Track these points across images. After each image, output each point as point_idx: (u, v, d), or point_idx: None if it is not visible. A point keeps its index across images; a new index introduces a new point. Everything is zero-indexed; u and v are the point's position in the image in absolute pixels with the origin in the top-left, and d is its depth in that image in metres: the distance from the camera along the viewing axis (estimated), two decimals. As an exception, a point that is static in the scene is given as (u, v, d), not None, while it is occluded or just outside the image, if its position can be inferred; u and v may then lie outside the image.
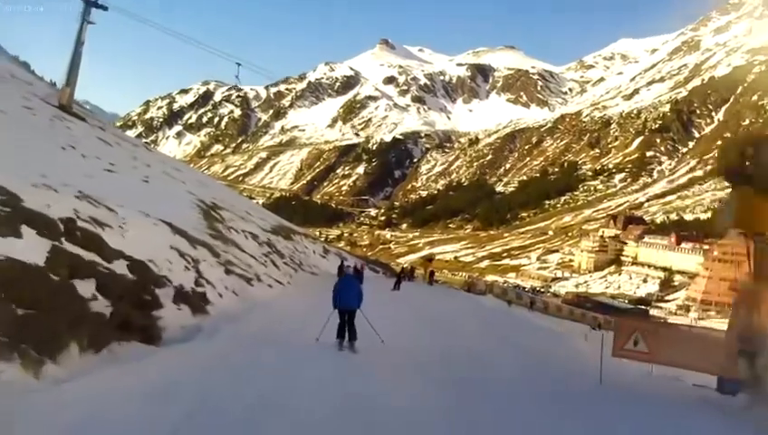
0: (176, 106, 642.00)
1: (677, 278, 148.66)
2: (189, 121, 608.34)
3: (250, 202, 69.46)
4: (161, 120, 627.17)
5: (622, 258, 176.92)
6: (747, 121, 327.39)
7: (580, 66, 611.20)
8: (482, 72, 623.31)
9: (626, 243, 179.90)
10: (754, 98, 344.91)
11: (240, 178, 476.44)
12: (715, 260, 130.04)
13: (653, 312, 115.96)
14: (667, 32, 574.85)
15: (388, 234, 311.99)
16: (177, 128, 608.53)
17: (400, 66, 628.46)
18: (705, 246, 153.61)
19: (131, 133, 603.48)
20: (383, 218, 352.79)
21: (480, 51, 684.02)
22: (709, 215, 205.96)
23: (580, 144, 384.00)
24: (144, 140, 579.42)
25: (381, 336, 13.54)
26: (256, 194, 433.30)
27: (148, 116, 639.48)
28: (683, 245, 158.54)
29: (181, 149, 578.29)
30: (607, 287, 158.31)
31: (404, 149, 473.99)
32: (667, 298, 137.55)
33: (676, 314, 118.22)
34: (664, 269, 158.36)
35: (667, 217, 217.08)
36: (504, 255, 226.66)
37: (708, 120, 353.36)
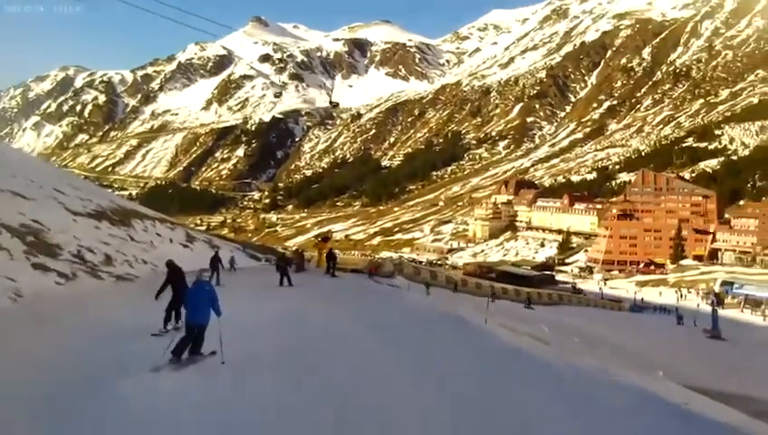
0: (31, 95, 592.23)
1: (575, 240, 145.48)
2: (48, 111, 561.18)
3: (78, 179, 54.49)
4: (15, 110, 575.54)
5: (517, 224, 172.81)
6: (619, 84, 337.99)
7: (456, 38, 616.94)
8: (359, 47, 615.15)
9: (519, 208, 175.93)
10: (623, 61, 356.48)
11: (109, 169, 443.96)
12: (614, 218, 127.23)
13: (558, 277, 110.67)
14: (535, 2, 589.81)
15: (274, 217, 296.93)
16: (35, 118, 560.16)
17: (275, 44, 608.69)
18: (599, 206, 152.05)
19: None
20: (268, 201, 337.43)
21: (356, 26, 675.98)
22: (595, 175, 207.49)
23: (462, 114, 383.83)
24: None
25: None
26: (128, 184, 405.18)
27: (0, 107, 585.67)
28: (576, 206, 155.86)
29: (41, 141, 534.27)
30: (505, 255, 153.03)
31: (284, 128, 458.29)
32: (567, 261, 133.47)
33: (581, 276, 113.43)
34: (559, 232, 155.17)
35: (555, 180, 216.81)
36: (396, 229, 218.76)
37: (582, 85, 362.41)
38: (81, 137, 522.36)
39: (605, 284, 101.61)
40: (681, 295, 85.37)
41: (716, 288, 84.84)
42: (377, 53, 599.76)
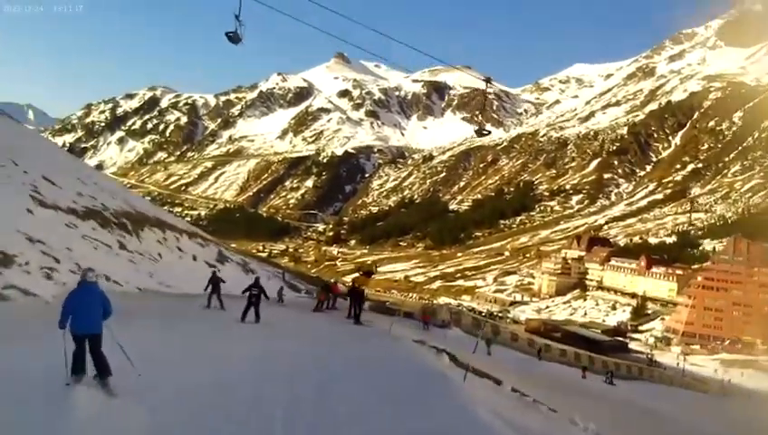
0: (119, 111, 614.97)
1: (650, 306, 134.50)
2: (133, 127, 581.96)
3: (100, 177, 50.32)
4: (103, 124, 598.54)
5: (587, 282, 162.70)
6: (705, 146, 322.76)
7: (536, 88, 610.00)
8: (437, 89, 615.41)
9: (590, 266, 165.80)
10: (711, 123, 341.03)
11: (183, 188, 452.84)
12: (699, 287, 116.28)
13: (631, 345, 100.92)
14: (621, 58, 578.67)
15: (335, 250, 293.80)
16: (120, 133, 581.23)
17: (355, 80, 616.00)
18: (679, 272, 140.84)
19: (70, 138, 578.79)
20: (331, 234, 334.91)
21: (436, 69, 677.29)
22: (675, 239, 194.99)
23: (537, 164, 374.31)
24: (83, 145, 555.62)
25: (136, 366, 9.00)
26: (199, 205, 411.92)
27: (89, 120, 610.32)
28: (653, 269, 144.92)
29: (123, 155, 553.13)
30: (572, 314, 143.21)
31: (355, 163, 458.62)
32: (641, 328, 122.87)
33: (656, 347, 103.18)
34: (633, 295, 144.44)
35: (630, 240, 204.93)
36: (458, 275, 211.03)
37: (666, 145, 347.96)
38: (160, 155, 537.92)
39: (684, 359, 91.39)
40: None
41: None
42: (454, 96, 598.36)
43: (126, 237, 26.43)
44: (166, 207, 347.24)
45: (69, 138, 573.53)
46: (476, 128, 21.33)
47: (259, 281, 19.73)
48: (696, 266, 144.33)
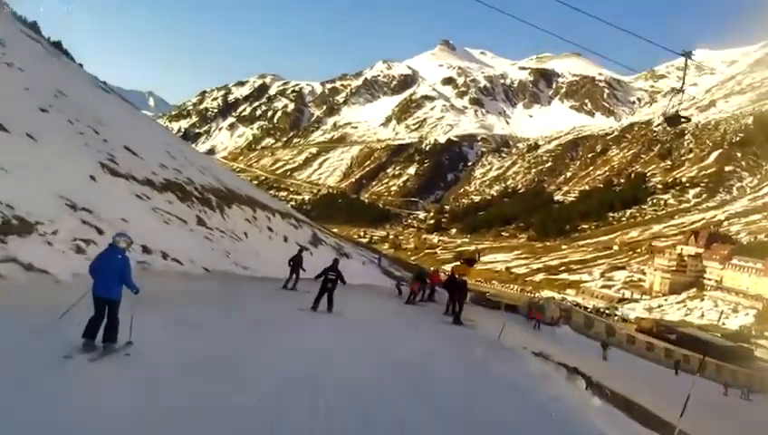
0: (231, 98, 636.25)
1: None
2: (243, 114, 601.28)
3: (191, 150, 49.39)
4: (216, 111, 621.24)
5: (704, 281, 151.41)
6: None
7: (651, 76, 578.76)
8: (545, 77, 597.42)
9: (709, 264, 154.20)
10: None
11: (288, 173, 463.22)
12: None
13: (757, 353, 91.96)
14: (747, 44, 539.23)
15: (435, 238, 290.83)
16: (231, 120, 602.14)
17: (460, 68, 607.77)
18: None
19: (185, 123, 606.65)
20: (432, 222, 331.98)
21: (544, 56, 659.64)
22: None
23: (650, 155, 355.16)
24: (196, 130, 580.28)
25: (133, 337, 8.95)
26: (303, 190, 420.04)
27: (202, 106, 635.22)
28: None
29: (233, 141, 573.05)
30: (687, 315, 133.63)
31: (458, 151, 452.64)
32: (766, 333, 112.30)
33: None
34: (757, 298, 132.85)
35: (755, 238, 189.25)
36: (562, 268, 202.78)
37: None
38: (268, 141, 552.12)
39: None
40: None
41: None
42: (563, 84, 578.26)
43: (208, 213, 24.52)
44: (271, 192, 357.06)
45: (184, 123, 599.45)
46: (669, 114, 16.93)
47: (337, 264, 17.10)
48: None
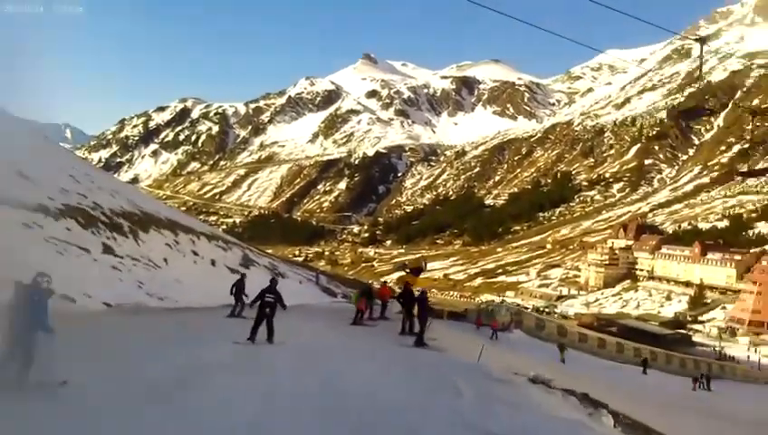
0: (152, 124, 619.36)
1: (708, 295, 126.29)
2: (166, 139, 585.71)
3: (98, 173, 45.70)
4: (137, 138, 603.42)
5: (637, 272, 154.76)
6: (751, 126, 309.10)
7: (568, 78, 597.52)
8: (467, 85, 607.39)
9: (640, 255, 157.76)
10: (755, 102, 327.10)
11: (217, 197, 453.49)
12: (764, 272, 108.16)
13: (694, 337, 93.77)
14: (653, 42, 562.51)
15: (371, 251, 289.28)
16: (154, 146, 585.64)
17: (383, 80, 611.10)
18: (737, 257, 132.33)
19: (105, 153, 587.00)
20: (366, 235, 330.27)
21: (464, 64, 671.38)
22: (727, 223, 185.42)
23: (573, 154, 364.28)
24: (118, 160, 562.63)
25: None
26: (233, 212, 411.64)
27: (123, 135, 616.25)
28: (709, 255, 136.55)
29: (157, 167, 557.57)
30: (623, 306, 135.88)
31: (387, 163, 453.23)
32: (700, 319, 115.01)
33: (721, 338, 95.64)
34: (687, 284, 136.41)
35: (679, 227, 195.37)
36: (499, 271, 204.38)
37: (708, 126, 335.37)
38: (194, 165, 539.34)
39: (755, 350, 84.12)
40: None
41: None
42: (485, 91, 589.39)
43: (118, 240, 21.57)
44: (201, 217, 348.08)
45: (104, 153, 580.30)
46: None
47: (275, 284, 14.63)
48: (756, 250, 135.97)
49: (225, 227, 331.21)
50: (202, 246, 30.27)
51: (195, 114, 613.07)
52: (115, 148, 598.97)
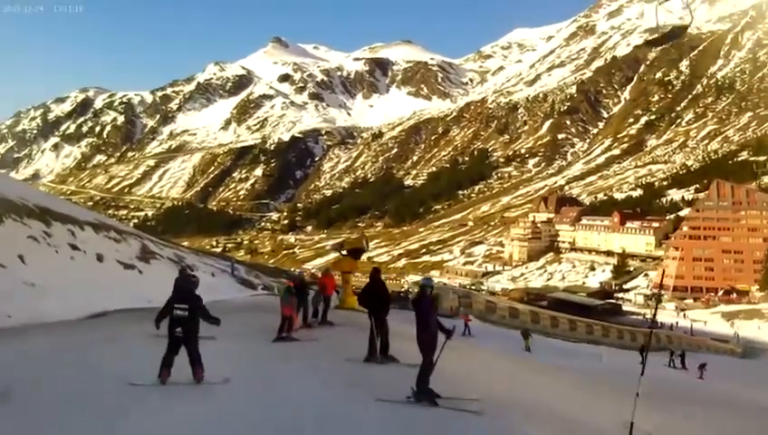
0: (51, 116, 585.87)
1: (630, 263, 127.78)
2: (68, 132, 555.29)
3: None
4: (35, 132, 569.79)
5: (559, 245, 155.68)
6: (656, 98, 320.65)
7: (479, 57, 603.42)
8: (380, 66, 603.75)
9: (561, 227, 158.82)
10: (659, 75, 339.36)
11: (126, 190, 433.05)
12: (685, 237, 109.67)
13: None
14: (559, 19, 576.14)
15: (291, 238, 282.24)
16: (54, 139, 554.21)
17: (295, 64, 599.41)
18: (655, 224, 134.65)
19: (1, 148, 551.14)
20: (286, 222, 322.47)
21: (376, 46, 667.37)
22: (641, 192, 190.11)
23: (489, 131, 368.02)
24: (15, 155, 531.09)
25: None
26: (145, 205, 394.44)
27: (19, 128, 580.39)
28: (628, 224, 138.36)
29: (60, 162, 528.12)
30: (549, 279, 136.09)
31: (304, 147, 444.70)
32: (625, 286, 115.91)
33: (648, 305, 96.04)
34: (608, 253, 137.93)
35: (595, 198, 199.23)
36: (423, 251, 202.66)
37: (616, 100, 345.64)
38: (99, 158, 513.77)
39: (684, 315, 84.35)
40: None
41: None
42: (398, 72, 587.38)
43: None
44: (110, 211, 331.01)
45: (0, 148, 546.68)
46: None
47: (190, 284, 9.48)
48: (671, 217, 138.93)
49: (136, 221, 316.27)
50: (86, 239, 24.59)
51: (98, 104, 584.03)
52: (11, 142, 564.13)
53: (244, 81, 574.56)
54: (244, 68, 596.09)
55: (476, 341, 19.54)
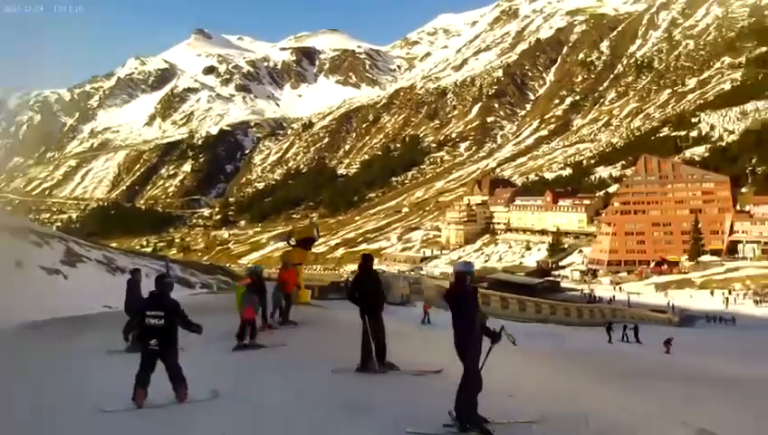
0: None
1: (565, 240, 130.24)
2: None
3: None
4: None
5: (495, 226, 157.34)
6: (579, 79, 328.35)
7: (405, 43, 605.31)
8: (307, 55, 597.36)
9: (495, 209, 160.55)
10: (581, 56, 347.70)
11: (47, 192, 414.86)
12: (617, 213, 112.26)
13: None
14: (483, 4, 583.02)
15: (225, 233, 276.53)
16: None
17: (220, 55, 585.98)
18: (586, 202, 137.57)
19: None
20: (218, 217, 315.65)
21: (302, 35, 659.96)
22: (570, 171, 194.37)
23: (419, 117, 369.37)
24: None
25: None
26: (68, 207, 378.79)
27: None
28: (560, 203, 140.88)
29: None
30: (486, 261, 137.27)
31: (233, 141, 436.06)
32: (561, 263, 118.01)
33: (584, 281, 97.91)
34: (543, 232, 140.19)
35: (527, 178, 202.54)
36: (360, 239, 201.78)
37: (541, 82, 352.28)
38: (16, 160, 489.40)
39: (620, 289, 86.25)
40: (728, 299, 70.15)
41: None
42: (325, 61, 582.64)
43: None
44: (31, 216, 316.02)
45: None
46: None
47: (165, 287, 7.79)
48: (601, 193, 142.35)
49: (59, 224, 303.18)
50: (1, 244, 22.35)
51: (11, 104, 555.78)
52: None
53: (167, 74, 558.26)
54: (166, 61, 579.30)
55: (437, 330, 18.36)
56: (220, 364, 9.97)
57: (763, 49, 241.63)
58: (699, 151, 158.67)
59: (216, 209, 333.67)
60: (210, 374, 8.77)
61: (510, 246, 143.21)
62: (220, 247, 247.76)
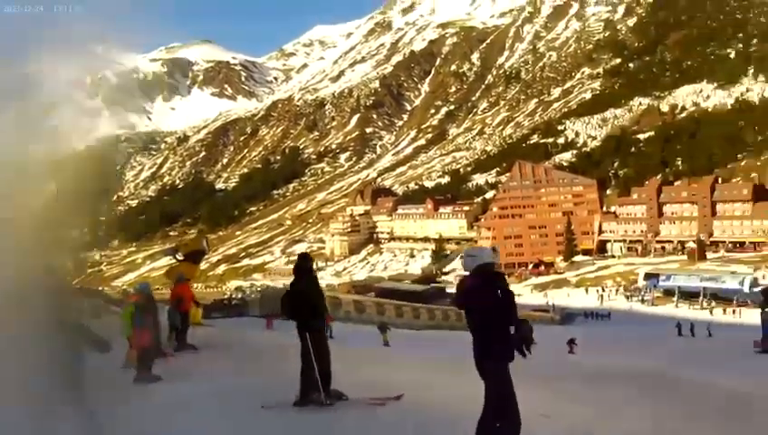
0: None
1: (447, 247, 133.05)
2: None
3: None
4: None
5: (378, 236, 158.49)
6: (453, 89, 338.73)
7: (281, 55, 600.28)
8: (179, 67, 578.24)
9: (378, 218, 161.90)
10: (453, 67, 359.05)
11: None
12: (495, 217, 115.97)
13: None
14: (357, 16, 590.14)
15: (96, 255, 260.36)
16: None
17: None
18: (466, 208, 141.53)
19: None
20: (88, 238, 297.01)
21: (174, 46, 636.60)
22: (449, 179, 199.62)
23: (298, 129, 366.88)
24: None
25: None
26: None
27: None
28: (441, 210, 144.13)
29: None
30: (372, 271, 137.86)
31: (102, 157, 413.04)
32: (445, 270, 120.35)
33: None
34: (426, 240, 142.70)
35: (407, 187, 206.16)
36: (243, 255, 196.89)
37: (417, 93, 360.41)
38: None
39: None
40: (602, 296, 74.01)
41: (640, 282, 74.53)
42: (199, 72, 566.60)
43: None
44: None
45: None
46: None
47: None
48: (478, 200, 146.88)
49: None
50: None
51: None
52: None
53: (26, 88, 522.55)
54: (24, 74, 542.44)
55: (340, 343, 17.38)
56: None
57: (618, 61, 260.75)
58: (567, 157, 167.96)
59: (86, 230, 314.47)
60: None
61: (395, 255, 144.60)
62: (91, 269, 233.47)
